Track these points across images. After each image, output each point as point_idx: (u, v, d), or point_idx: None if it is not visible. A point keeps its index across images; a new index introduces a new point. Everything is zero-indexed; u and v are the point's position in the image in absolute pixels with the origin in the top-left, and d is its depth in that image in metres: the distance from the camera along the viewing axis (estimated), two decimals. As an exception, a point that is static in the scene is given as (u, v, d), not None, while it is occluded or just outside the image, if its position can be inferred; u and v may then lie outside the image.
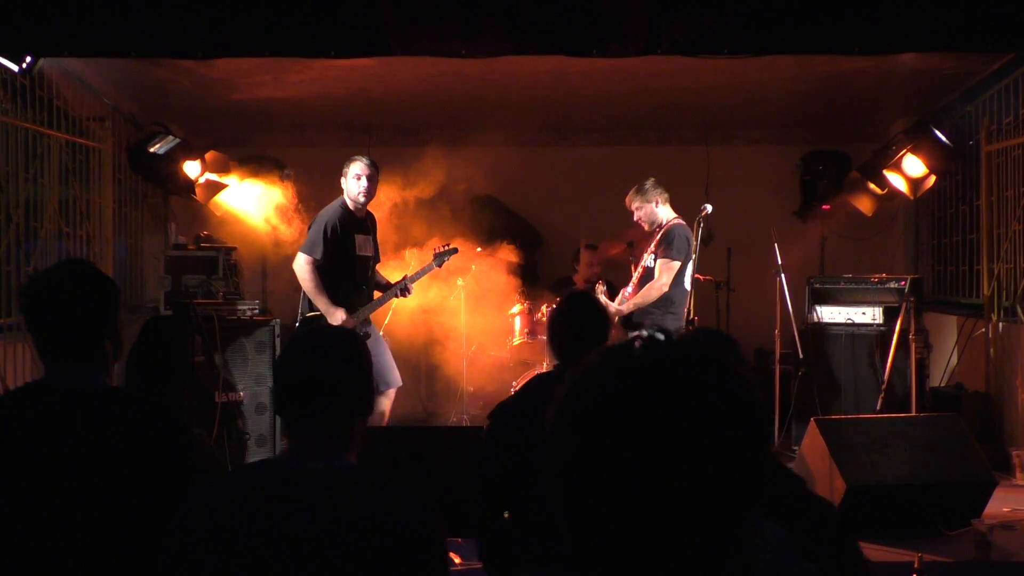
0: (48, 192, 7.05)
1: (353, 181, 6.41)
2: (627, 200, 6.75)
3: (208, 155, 8.38)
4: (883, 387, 7.17)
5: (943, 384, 8.08)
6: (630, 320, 6.67)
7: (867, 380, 7.40)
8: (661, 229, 6.64)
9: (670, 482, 1.08)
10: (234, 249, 8.22)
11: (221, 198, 8.64)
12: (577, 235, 9.04)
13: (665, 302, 6.54)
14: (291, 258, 6.52)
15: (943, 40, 5.75)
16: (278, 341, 6.78)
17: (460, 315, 8.10)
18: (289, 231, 8.07)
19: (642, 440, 1.09)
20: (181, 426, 2.45)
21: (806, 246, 9.37)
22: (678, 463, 1.09)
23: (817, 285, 7.90)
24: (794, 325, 7.36)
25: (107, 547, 2.29)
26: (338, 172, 6.51)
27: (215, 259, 7.93)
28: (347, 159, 6.49)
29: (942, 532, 5.29)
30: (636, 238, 7.49)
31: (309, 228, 6.57)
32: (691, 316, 6.51)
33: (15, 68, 6.17)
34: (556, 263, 9.48)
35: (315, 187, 7.77)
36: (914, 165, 8.10)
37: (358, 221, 6.51)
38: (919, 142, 8.05)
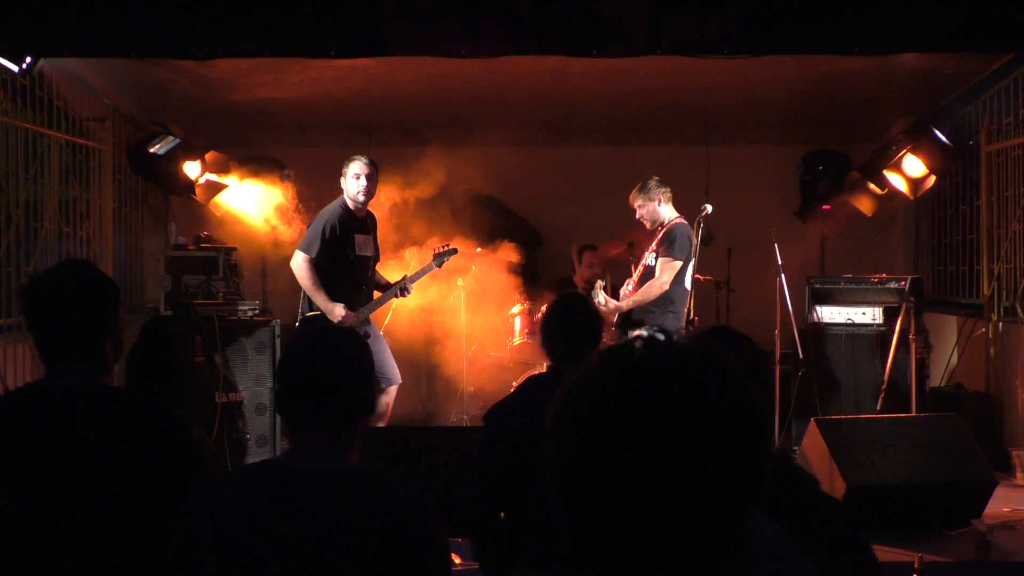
0: (48, 192, 7.05)
1: (352, 180, 6.42)
2: (630, 198, 6.77)
3: (208, 155, 8.38)
4: (883, 387, 7.17)
5: (943, 384, 8.07)
6: (629, 317, 6.68)
7: (867, 380, 7.39)
8: (663, 228, 6.65)
9: (670, 482, 1.08)
10: (234, 249, 8.22)
11: (221, 198, 8.64)
12: (577, 235, 9.04)
13: (665, 301, 6.54)
14: (291, 258, 6.53)
15: (943, 40, 5.75)
16: (278, 341, 6.78)
17: (460, 315, 8.10)
18: (289, 231, 8.07)
19: (642, 440, 1.09)
20: (182, 426, 2.45)
21: (806, 246, 9.37)
22: (678, 463, 1.09)
23: (817, 285, 7.90)
24: (794, 325, 7.36)
25: (108, 547, 2.29)
26: (338, 172, 6.52)
27: (215, 259, 7.93)
28: (347, 159, 6.49)
29: (942, 532, 5.29)
30: (636, 239, 7.50)
31: (308, 226, 6.59)
32: (691, 316, 6.52)
33: (15, 68, 6.16)
34: (556, 263, 9.48)
35: (315, 187, 7.77)
36: (914, 165, 8.09)
37: (358, 221, 6.52)
38: (919, 142, 8.05)
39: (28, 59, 6.18)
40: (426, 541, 2.09)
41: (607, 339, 7.03)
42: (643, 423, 1.09)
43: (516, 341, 7.94)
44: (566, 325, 3.67)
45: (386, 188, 7.60)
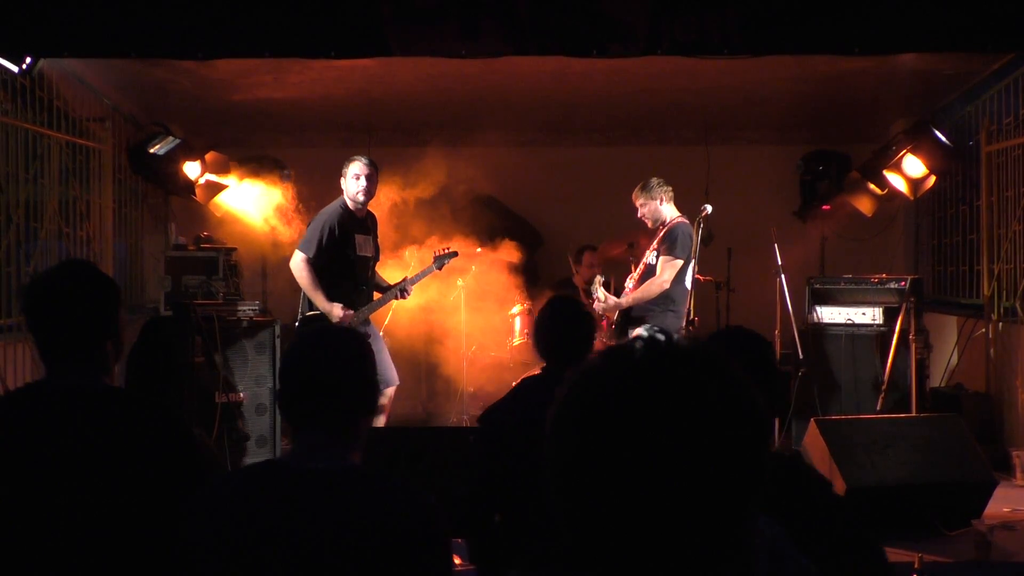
0: (48, 193, 7.05)
1: (352, 181, 6.42)
2: (633, 196, 6.78)
3: (208, 156, 8.39)
4: (883, 387, 7.17)
5: (943, 384, 8.07)
6: (629, 315, 6.69)
7: (867, 380, 7.39)
8: (664, 227, 6.65)
9: (670, 482, 1.09)
10: (234, 250, 8.22)
11: (221, 199, 8.64)
12: (577, 235, 9.03)
13: (666, 300, 6.55)
14: (290, 258, 6.53)
15: (943, 40, 5.75)
16: (278, 342, 6.78)
17: (460, 315, 8.10)
18: (289, 231, 8.07)
19: (642, 440, 1.09)
20: (182, 426, 2.45)
21: (806, 246, 9.36)
22: (678, 463, 1.09)
23: (817, 285, 7.90)
24: (794, 325, 7.36)
25: (109, 547, 2.29)
26: (338, 172, 6.52)
27: (215, 260, 7.93)
28: (347, 159, 6.49)
29: (942, 532, 5.29)
30: (636, 239, 7.51)
31: (308, 226, 6.59)
32: (691, 316, 6.52)
33: (15, 69, 6.16)
34: (556, 263, 9.47)
35: (315, 187, 7.77)
36: (914, 165, 8.09)
37: (358, 221, 6.52)
38: (919, 142, 8.05)
39: (28, 59, 6.18)
40: (428, 541, 2.09)
41: (603, 339, 7.07)
42: (643, 423, 1.10)
43: (516, 341, 7.94)
44: (559, 327, 3.69)
45: (386, 188, 7.61)
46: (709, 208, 6.48)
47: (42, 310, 2.44)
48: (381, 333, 7.11)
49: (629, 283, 6.95)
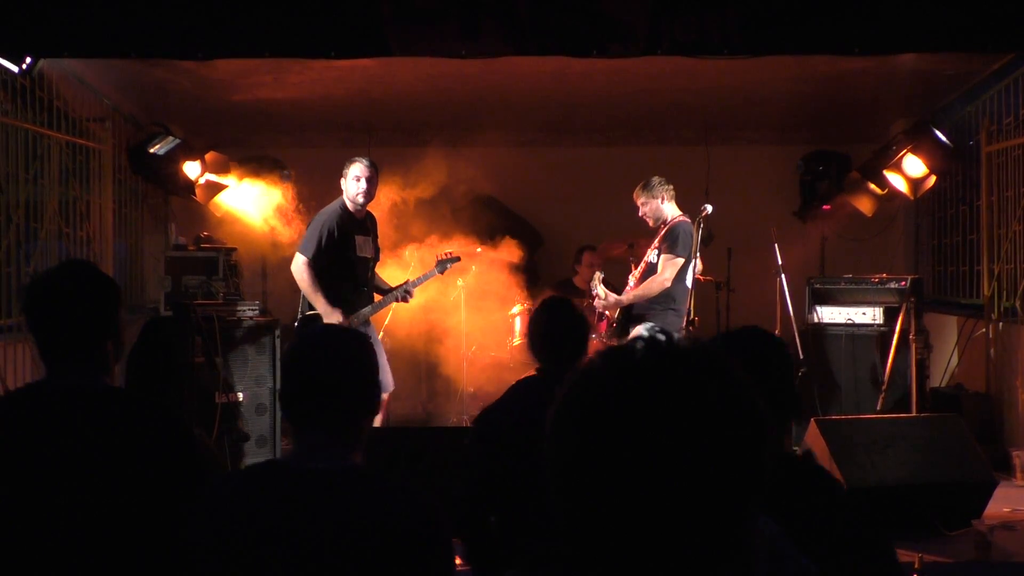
0: (48, 193, 7.05)
1: (352, 182, 6.41)
2: (634, 195, 6.79)
3: (208, 156, 8.39)
4: (883, 387, 7.17)
5: (943, 384, 8.07)
6: (630, 313, 6.69)
7: (867, 380, 7.39)
8: (666, 226, 6.66)
9: (670, 482, 1.09)
10: (234, 250, 8.22)
11: (221, 199, 8.64)
12: (577, 235, 9.04)
13: (667, 298, 6.55)
14: (291, 259, 6.53)
15: (943, 40, 5.75)
16: (278, 342, 6.77)
17: (460, 315, 8.10)
18: (289, 232, 8.07)
19: (642, 440, 1.09)
20: (182, 426, 2.45)
21: (806, 246, 9.36)
22: (678, 463, 1.09)
23: (817, 285, 7.90)
24: (794, 325, 7.36)
25: (109, 547, 2.29)
26: (338, 173, 6.51)
27: (215, 260, 7.93)
28: (347, 160, 6.49)
29: (942, 532, 5.29)
30: (636, 240, 7.51)
31: (307, 228, 6.58)
32: (691, 316, 6.52)
33: (15, 69, 6.17)
34: (556, 264, 9.48)
35: (315, 188, 7.77)
36: (914, 165, 8.09)
37: (358, 222, 6.51)
38: (919, 142, 8.05)
39: (28, 59, 6.18)
40: (429, 542, 2.08)
41: (603, 339, 7.07)
42: (643, 423, 1.10)
43: (516, 341, 7.93)
44: (553, 328, 3.70)
45: (386, 188, 7.61)
46: (709, 208, 6.48)
47: (42, 310, 2.44)
48: (381, 334, 7.11)
49: (631, 281, 6.96)
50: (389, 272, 7.29)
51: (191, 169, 8.27)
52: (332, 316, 6.25)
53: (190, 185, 8.35)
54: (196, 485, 2.27)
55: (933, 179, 8.15)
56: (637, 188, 6.77)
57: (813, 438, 5.66)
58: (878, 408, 7.08)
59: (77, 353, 2.42)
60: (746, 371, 2.31)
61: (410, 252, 7.89)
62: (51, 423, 2.36)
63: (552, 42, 5.68)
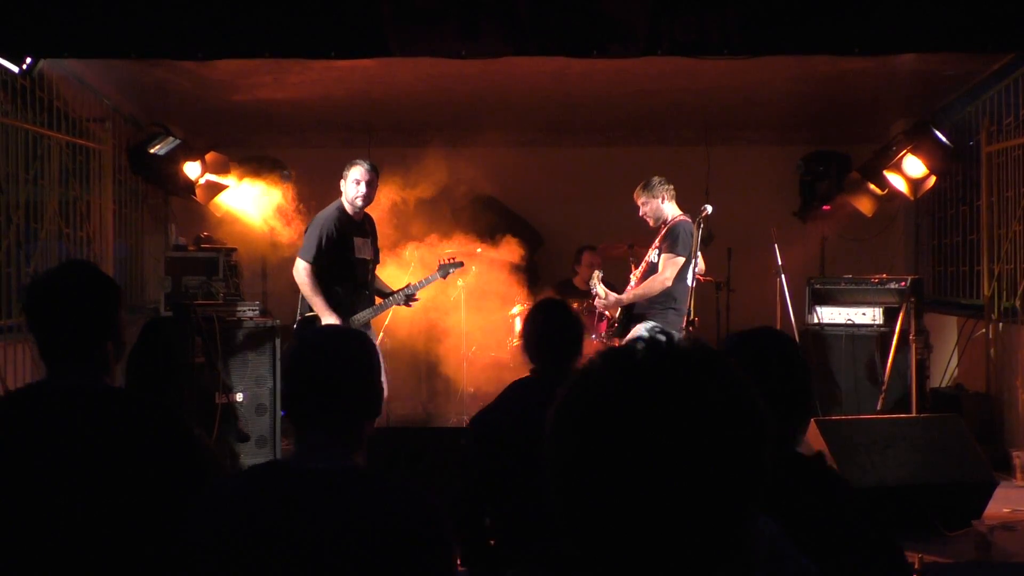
0: (48, 193, 7.05)
1: (352, 185, 6.40)
2: (634, 195, 6.79)
3: (208, 156, 8.39)
4: (883, 388, 7.17)
5: (943, 385, 8.07)
6: (631, 312, 6.70)
7: (867, 381, 7.40)
8: (666, 225, 6.66)
9: (671, 482, 1.09)
10: (234, 250, 8.22)
11: (221, 199, 8.65)
12: (577, 236, 9.04)
13: (667, 298, 6.56)
14: (291, 259, 6.52)
15: (943, 40, 5.75)
16: (278, 342, 6.78)
17: (460, 315, 8.10)
18: (289, 232, 8.07)
19: (643, 440, 1.09)
20: (183, 426, 2.45)
21: (806, 247, 9.37)
22: (678, 463, 1.09)
23: (817, 286, 7.90)
24: (794, 326, 7.36)
25: (109, 547, 2.29)
26: (339, 173, 6.50)
27: (215, 260, 7.93)
28: (348, 162, 6.47)
29: (942, 533, 5.29)
30: (637, 239, 7.52)
31: (305, 232, 6.55)
32: (691, 316, 6.52)
33: (15, 69, 6.16)
34: (556, 264, 9.48)
35: (315, 188, 7.77)
36: (914, 166, 8.09)
37: (356, 224, 6.49)
38: (919, 143, 8.05)
39: (28, 60, 6.18)
40: (429, 542, 2.08)
41: (603, 339, 7.07)
42: (644, 424, 1.10)
43: (516, 341, 7.93)
44: (548, 330, 3.71)
45: (386, 189, 7.60)
46: (709, 208, 6.48)
47: (43, 310, 2.44)
48: (380, 335, 7.10)
49: (632, 281, 6.96)
50: (389, 272, 7.29)
51: (191, 169, 8.27)
52: (330, 320, 6.24)
53: (190, 185, 8.35)
54: (196, 485, 2.27)
55: (933, 179, 8.15)
56: (637, 188, 6.78)
57: (813, 438, 5.66)
58: (878, 408, 7.08)
59: (77, 353, 2.42)
60: (760, 371, 2.32)
61: (410, 252, 7.89)
62: (51, 423, 2.36)
63: (552, 42, 5.68)
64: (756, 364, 2.34)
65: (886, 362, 7.23)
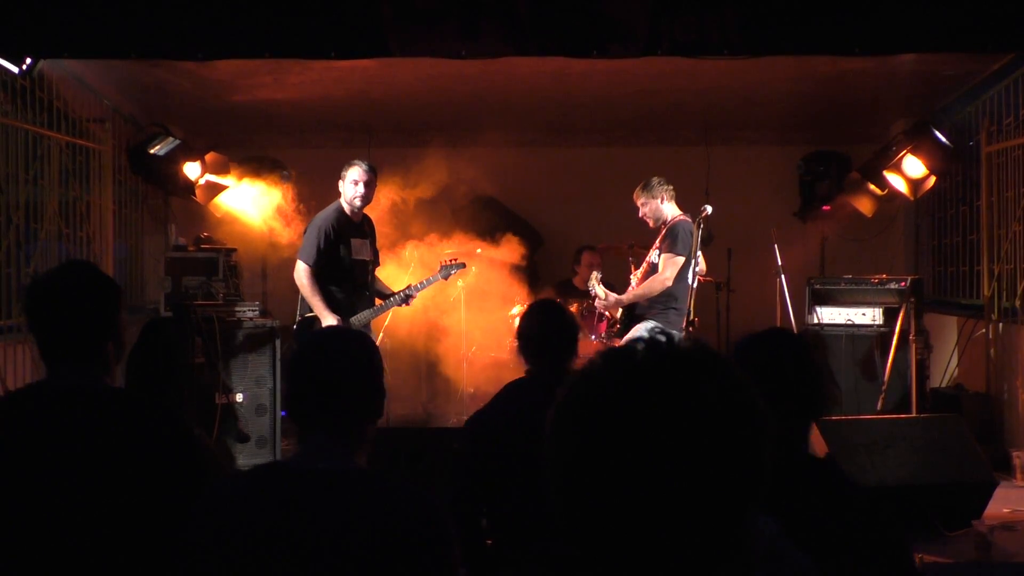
0: (48, 194, 7.05)
1: (350, 186, 6.39)
2: (634, 196, 6.79)
3: (208, 156, 8.39)
4: (883, 388, 7.17)
5: (943, 385, 8.08)
6: (633, 312, 6.70)
7: (867, 381, 7.39)
8: (666, 226, 6.67)
9: (670, 482, 1.09)
10: (234, 250, 8.22)
11: (221, 199, 8.64)
12: (577, 235, 9.03)
13: (668, 297, 6.56)
14: (291, 259, 6.53)
15: (943, 40, 5.75)
16: (278, 343, 6.78)
17: (460, 316, 8.10)
18: (289, 232, 8.07)
19: (643, 441, 1.09)
20: (183, 427, 2.45)
21: (806, 247, 9.37)
22: (679, 464, 1.09)
23: (817, 286, 7.90)
24: (794, 326, 7.36)
25: (110, 548, 2.29)
26: (338, 174, 6.49)
27: (215, 260, 7.93)
28: (346, 163, 6.47)
29: (942, 533, 5.29)
30: (637, 240, 7.52)
31: (304, 233, 6.55)
32: (691, 317, 6.52)
33: (15, 70, 6.17)
34: (556, 264, 9.48)
35: (315, 188, 7.77)
36: (914, 166, 8.09)
37: (355, 225, 6.49)
38: (919, 143, 8.05)
39: (28, 60, 6.18)
40: (431, 543, 2.08)
41: (603, 339, 7.07)
42: (644, 424, 1.10)
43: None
44: (543, 331, 3.71)
45: (386, 189, 7.61)
46: (709, 209, 6.47)
47: (43, 311, 2.44)
48: (380, 336, 7.10)
49: (633, 282, 6.97)
50: (389, 272, 7.29)
51: (191, 170, 8.27)
52: (329, 321, 6.23)
53: (190, 186, 8.35)
54: (197, 485, 2.27)
55: (933, 180, 8.15)
56: (637, 189, 6.78)
57: (814, 439, 5.66)
58: (878, 408, 7.08)
59: (78, 354, 2.42)
60: (770, 373, 2.31)
61: (410, 251, 7.89)
62: (52, 423, 2.36)
63: (552, 42, 5.68)
64: (767, 365, 2.35)
65: (886, 362, 7.23)
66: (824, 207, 9.29)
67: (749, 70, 7.00)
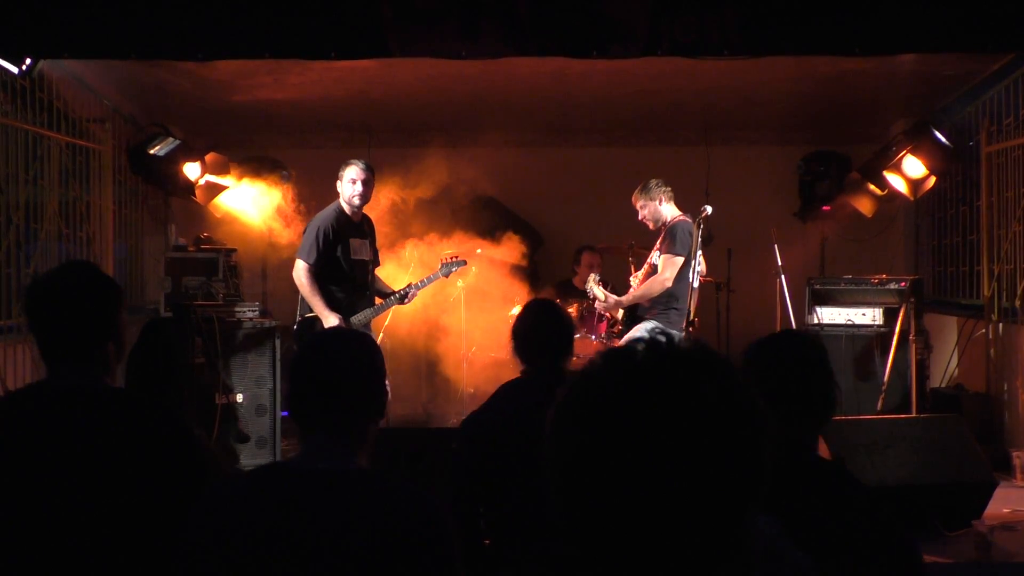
0: (48, 194, 7.05)
1: (348, 185, 6.39)
2: (632, 200, 6.80)
3: (208, 156, 8.39)
4: (883, 388, 7.17)
5: (943, 385, 8.08)
6: (634, 313, 6.70)
7: (867, 381, 7.39)
8: (666, 227, 6.67)
9: (670, 483, 1.09)
10: (234, 251, 8.22)
11: (221, 199, 8.64)
12: (577, 235, 9.03)
13: (668, 297, 6.56)
14: (291, 260, 6.52)
15: (943, 40, 5.75)
16: (278, 343, 6.78)
17: (460, 316, 8.09)
18: (289, 233, 8.07)
19: (643, 441, 1.09)
20: (183, 427, 2.45)
21: (806, 247, 9.37)
22: (679, 464, 1.09)
23: (817, 286, 7.89)
24: (794, 326, 7.36)
25: (110, 548, 2.29)
26: (338, 174, 6.50)
27: (215, 261, 7.93)
28: (343, 162, 6.47)
29: (942, 533, 5.29)
30: (637, 240, 7.53)
31: (304, 233, 6.55)
32: (691, 317, 6.52)
33: (15, 70, 6.17)
34: (556, 264, 9.48)
35: (315, 188, 7.77)
36: (914, 166, 8.09)
37: (354, 225, 6.49)
38: (919, 143, 8.04)
39: (28, 61, 6.18)
40: (432, 543, 2.07)
41: (602, 340, 7.07)
42: (644, 424, 1.10)
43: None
44: (538, 330, 3.70)
45: (386, 189, 7.61)
46: (709, 209, 6.47)
47: (44, 311, 2.44)
48: (380, 336, 7.09)
49: (633, 283, 6.97)
50: (389, 271, 7.28)
51: (191, 170, 8.27)
52: (330, 320, 6.23)
53: (190, 186, 8.35)
54: (197, 485, 2.27)
55: (933, 180, 8.15)
56: (635, 192, 6.78)
57: (814, 439, 5.66)
58: (878, 408, 7.08)
59: (78, 354, 2.42)
60: (786, 375, 2.31)
61: (409, 251, 7.88)
62: (52, 424, 2.36)
63: (552, 43, 5.68)
64: (781, 368, 2.35)
65: (886, 362, 7.23)
66: (824, 207, 9.29)
67: (749, 70, 7.00)
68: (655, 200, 6.70)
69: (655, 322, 6.51)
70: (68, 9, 5.60)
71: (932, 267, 9.11)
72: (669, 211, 6.72)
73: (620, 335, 6.85)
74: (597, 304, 6.93)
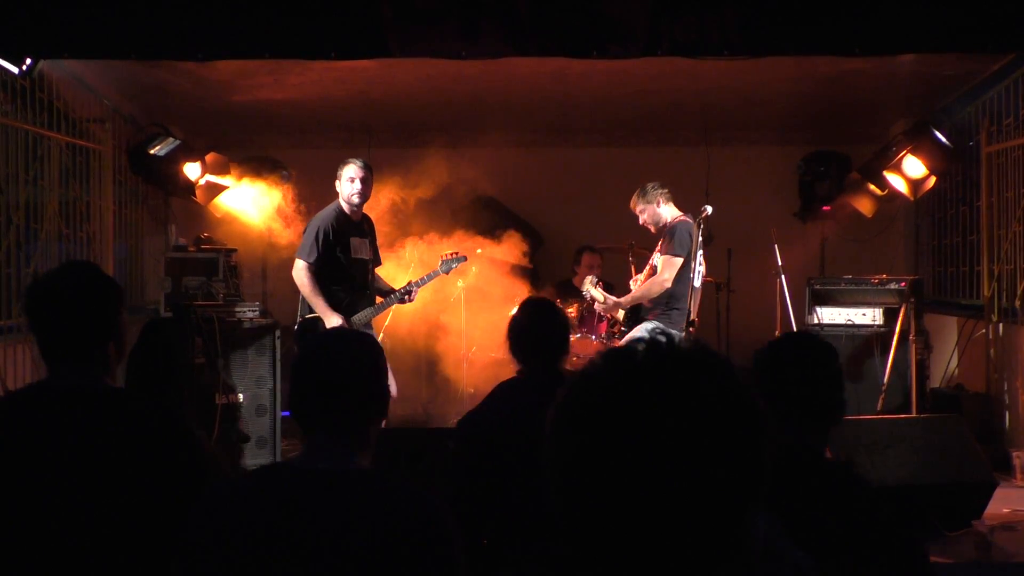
0: (48, 194, 7.05)
1: (347, 184, 6.39)
2: (631, 204, 6.80)
3: (208, 157, 8.39)
4: (883, 388, 7.17)
5: (943, 385, 8.07)
6: (636, 314, 6.71)
7: (867, 381, 7.39)
8: (666, 228, 6.67)
9: (670, 482, 1.09)
10: (234, 251, 8.22)
11: (221, 199, 8.64)
12: (577, 235, 9.03)
13: (669, 297, 6.57)
14: (291, 260, 6.52)
15: (943, 41, 5.75)
16: (278, 343, 6.78)
17: (460, 316, 8.09)
18: (289, 233, 8.06)
19: (643, 441, 1.09)
20: (184, 427, 2.45)
21: (806, 247, 9.37)
22: (679, 464, 1.09)
23: (817, 286, 7.90)
24: (794, 326, 7.36)
25: (110, 548, 2.29)
26: (336, 173, 6.49)
27: (215, 261, 7.93)
28: (341, 162, 6.47)
29: (942, 533, 5.29)
30: (637, 240, 7.53)
31: (303, 233, 6.55)
32: (691, 317, 6.52)
33: (15, 70, 6.17)
34: (556, 264, 9.48)
35: (315, 188, 7.76)
36: (914, 166, 8.09)
37: (354, 224, 6.49)
38: (919, 143, 8.04)
39: (28, 61, 6.18)
40: (433, 543, 2.07)
41: (602, 340, 7.06)
42: (644, 424, 1.10)
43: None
44: (534, 329, 3.70)
45: (386, 190, 7.61)
46: (709, 209, 6.47)
47: (44, 311, 2.44)
48: (380, 336, 7.09)
49: (633, 285, 6.97)
50: (389, 271, 7.28)
51: (191, 170, 8.27)
52: (332, 319, 6.23)
53: (190, 186, 8.35)
54: (197, 485, 2.27)
55: (933, 180, 8.15)
56: (633, 197, 6.79)
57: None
58: (878, 408, 7.08)
59: (78, 354, 2.42)
60: (795, 377, 2.32)
61: (410, 250, 7.88)
62: (52, 424, 2.36)
63: (552, 43, 5.69)
64: (785, 370, 2.35)
65: (886, 362, 7.23)
66: (824, 207, 9.29)
67: (749, 70, 7.00)
68: (653, 203, 6.71)
69: (656, 322, 6.52)
70: (68, 9, 5.60)
71: (932, 267, 9.11)
72: (668, 212, 6.73)
73: (621, 336, 6.85)
74: (597, 306, 6.93)
